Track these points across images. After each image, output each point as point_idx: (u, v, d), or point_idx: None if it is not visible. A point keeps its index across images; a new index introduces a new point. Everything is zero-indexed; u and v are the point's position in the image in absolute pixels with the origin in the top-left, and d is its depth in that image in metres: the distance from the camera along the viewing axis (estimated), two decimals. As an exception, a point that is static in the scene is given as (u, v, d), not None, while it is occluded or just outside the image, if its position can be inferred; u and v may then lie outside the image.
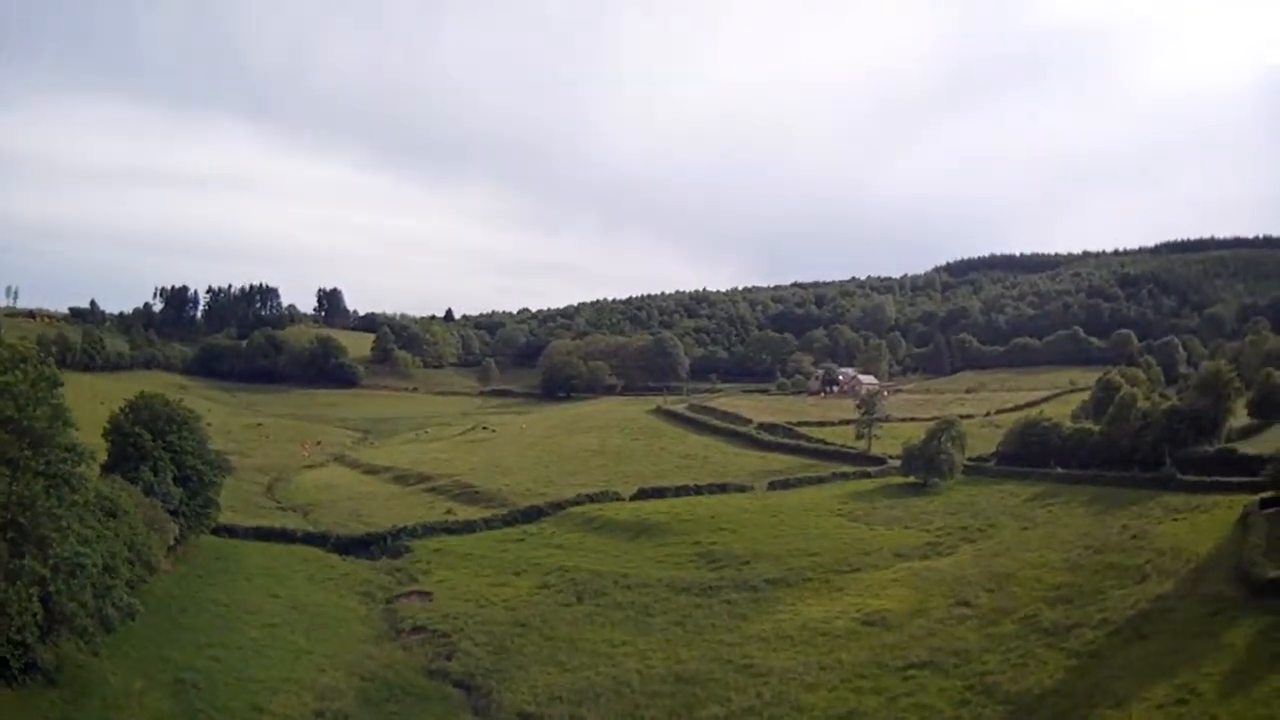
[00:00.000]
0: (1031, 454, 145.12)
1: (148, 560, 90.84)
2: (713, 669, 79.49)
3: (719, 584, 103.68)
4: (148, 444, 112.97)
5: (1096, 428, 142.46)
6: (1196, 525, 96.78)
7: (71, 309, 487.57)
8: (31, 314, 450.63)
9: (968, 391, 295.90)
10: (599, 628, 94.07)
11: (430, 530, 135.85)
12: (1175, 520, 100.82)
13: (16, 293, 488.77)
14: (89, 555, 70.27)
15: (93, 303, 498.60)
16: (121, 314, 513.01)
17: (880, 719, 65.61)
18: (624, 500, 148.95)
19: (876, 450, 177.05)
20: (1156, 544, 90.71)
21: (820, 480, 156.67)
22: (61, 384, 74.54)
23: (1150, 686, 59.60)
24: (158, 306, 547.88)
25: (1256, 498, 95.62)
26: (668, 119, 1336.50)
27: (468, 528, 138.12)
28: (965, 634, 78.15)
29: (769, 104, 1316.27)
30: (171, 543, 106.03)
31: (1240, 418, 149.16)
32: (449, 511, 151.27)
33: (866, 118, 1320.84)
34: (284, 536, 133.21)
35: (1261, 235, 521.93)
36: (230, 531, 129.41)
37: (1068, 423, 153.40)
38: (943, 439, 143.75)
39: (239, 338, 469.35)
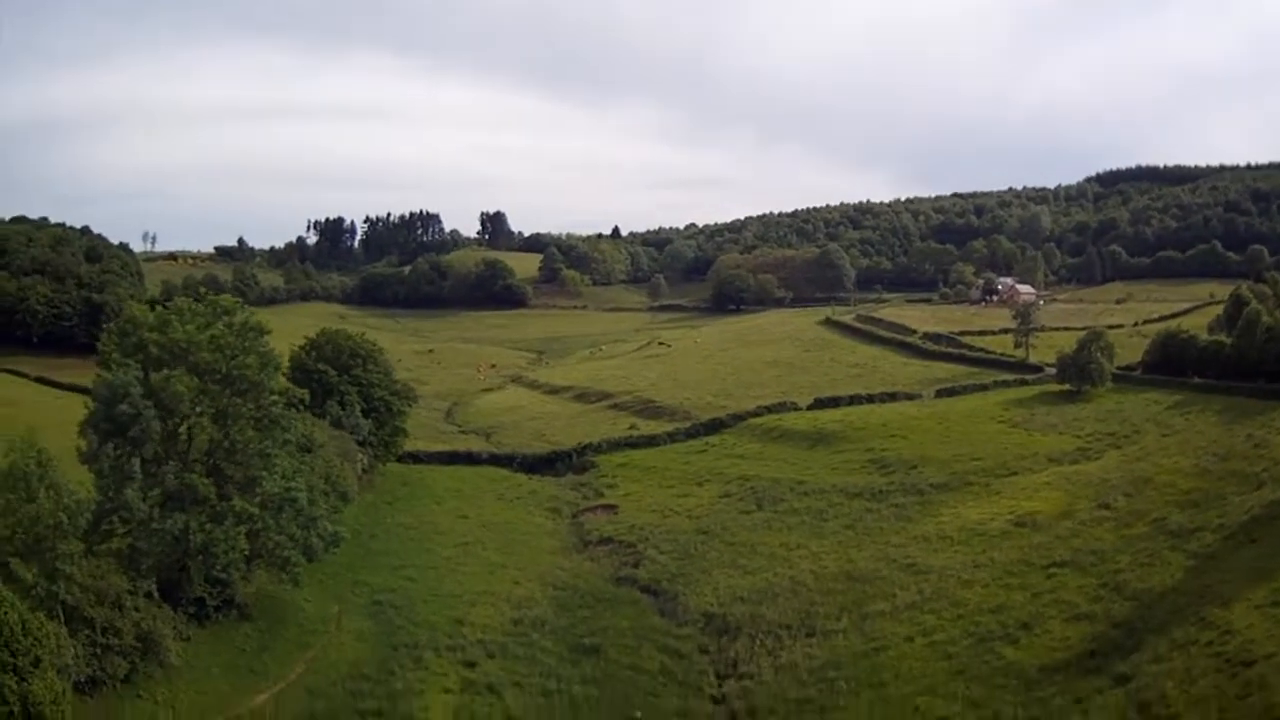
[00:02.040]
0: (1172, 364, 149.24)
1: (342, 491, 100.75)
2: (880, 568, 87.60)
3: (889, 489, 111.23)
4: (332, 379, 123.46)
5: (1228, 341, 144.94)
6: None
7: (218, 248, 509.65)
8: (173, 256, 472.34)
9: (1117, 302, 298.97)
10: (777, 532, 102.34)
11: (614, 446, 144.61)
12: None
13: (154, 238, 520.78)
14: (300, 490, 79.53)
15: (240, 240, 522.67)
16: (273, 249, 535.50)
17: (1026, 612, 72.32)
18: (801, 410, 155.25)
19: (1033, 359, 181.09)
20: (1274, 453, 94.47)
21: (983, 388, 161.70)
22: (268, 331, 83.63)
23: (1253, 588, 64.76)
24: (311, 239, 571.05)
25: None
26: (824, 30, 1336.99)
27: (651, 442, 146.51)
28: (1103, 535, 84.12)
29: (922, 14, 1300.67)
30: (360, 472, 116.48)
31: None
32: (632, 427, 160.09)
33: (1016, 26, 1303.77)
34: (469, 459, 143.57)
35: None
36: (414, 458, 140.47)
37: (1204, 335, 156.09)
38: (1093, 348, 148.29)
39: (400, 265, 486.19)
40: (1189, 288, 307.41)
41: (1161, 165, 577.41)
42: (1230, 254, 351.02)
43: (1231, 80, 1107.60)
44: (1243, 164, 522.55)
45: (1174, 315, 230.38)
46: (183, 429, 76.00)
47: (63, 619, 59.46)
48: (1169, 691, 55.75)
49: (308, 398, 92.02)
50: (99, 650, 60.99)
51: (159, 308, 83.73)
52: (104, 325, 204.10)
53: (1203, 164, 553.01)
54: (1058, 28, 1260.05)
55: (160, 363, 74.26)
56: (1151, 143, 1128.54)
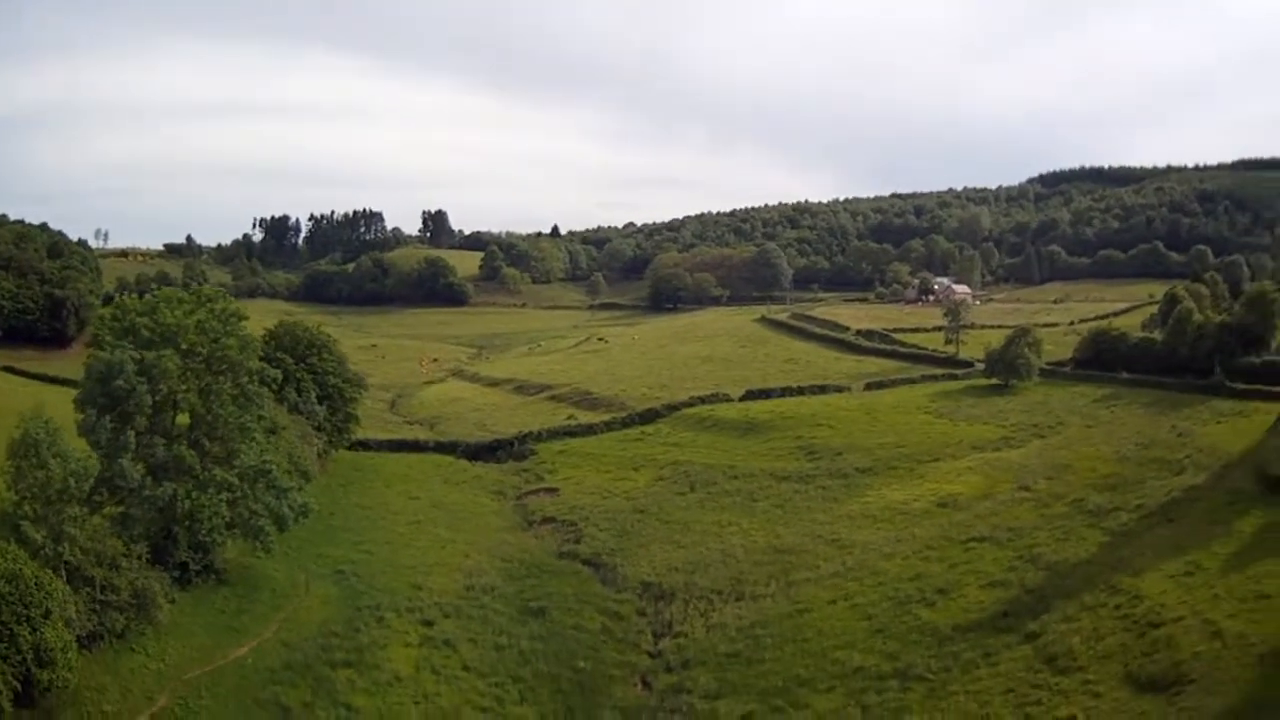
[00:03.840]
0: (1103, 360, 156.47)
1: (304, 470, 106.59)
2: (806, 542, 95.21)
3: (815, 473, 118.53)
4: (290, 367, 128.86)
5: (1159, 338, 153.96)
6: (1235, 428, 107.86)
7: (167, 245, 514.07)
8: (124, 253, 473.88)
9: (1055, 302, 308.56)
10: (709, 511, 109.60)
11: (554, 434, 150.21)
12: (1218, 423, 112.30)
13: (106, 235, 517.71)
14: (274, 462, 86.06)
15: (188, 237, 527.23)
16: (220, 246, 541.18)
17: (942, 581, 79.50)
18: (733, 401, 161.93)
19: (965, 355, 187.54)
20: (1198, 442, 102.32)
21: (911, 382, 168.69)
22: (246, 317, 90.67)
23: (1166, 561, 71.79)
24: (257, 237, 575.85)
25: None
26: (773, 33, 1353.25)
27: (589, 430, 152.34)
28: (1022, 514, 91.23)
29: (871, 18, 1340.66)
30: (316, 455, 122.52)
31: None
32: (570, 417, 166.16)
33: (967, 30, 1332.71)
34: (415, 447, 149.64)
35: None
36: (364, 445, 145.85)
37: (1136, 332, 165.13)
38: (1020, 344, 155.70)
39: (344, 263, 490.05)
40: (1128, 288, 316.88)
41: (1105, 166, 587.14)
42: (1173, 254, 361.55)
43: (1182, 83, 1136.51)
44: (1190, 165, 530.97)
45: (1111, 315, 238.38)
46: (168, 404, 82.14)
47: (65, 577, 64.71)
48: (1075, 646, 62.60)
49: (280, 377, 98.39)
50: (99, 606, 66.06)
51: (147, 295, 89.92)
52: (67, 318, 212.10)
53: (1148, 165, 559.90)
54: (1008, 32, 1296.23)
55: (150, 344, 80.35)
56: (1098, 146, 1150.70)
